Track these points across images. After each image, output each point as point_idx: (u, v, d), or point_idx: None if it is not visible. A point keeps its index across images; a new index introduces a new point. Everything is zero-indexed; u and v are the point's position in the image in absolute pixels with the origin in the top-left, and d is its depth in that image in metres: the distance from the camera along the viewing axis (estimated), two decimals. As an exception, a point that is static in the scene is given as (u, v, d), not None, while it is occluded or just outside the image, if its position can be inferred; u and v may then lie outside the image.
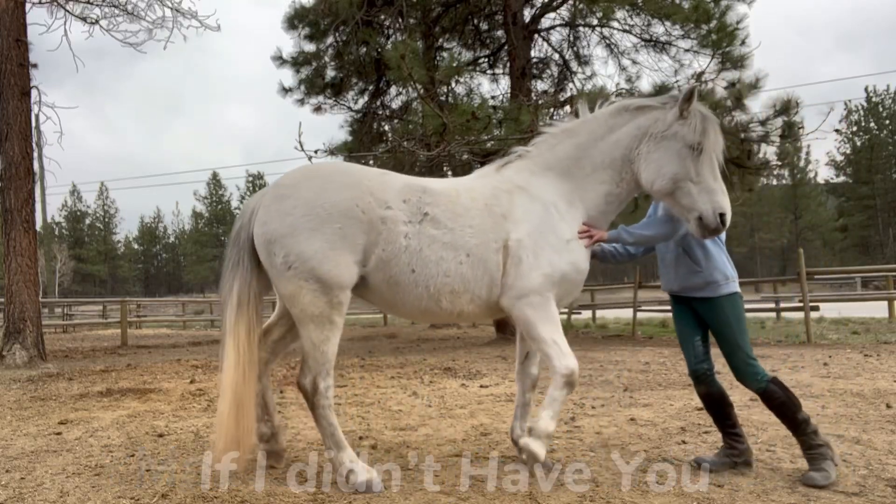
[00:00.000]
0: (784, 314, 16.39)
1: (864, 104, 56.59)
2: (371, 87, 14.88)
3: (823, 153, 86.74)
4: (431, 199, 3.38)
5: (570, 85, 14.28)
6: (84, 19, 11.88)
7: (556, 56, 14.65)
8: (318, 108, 14.62)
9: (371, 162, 14.35)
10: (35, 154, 11.10)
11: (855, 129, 57.21)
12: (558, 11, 13.67)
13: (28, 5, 10.57)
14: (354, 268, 3.24)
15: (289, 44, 39.43)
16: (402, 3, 12.45)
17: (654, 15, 11.74)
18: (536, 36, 13.94)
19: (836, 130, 54.96)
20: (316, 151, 11.75)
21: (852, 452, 3.69)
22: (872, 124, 56.54)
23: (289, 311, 3.37)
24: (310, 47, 14.12)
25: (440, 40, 15.04)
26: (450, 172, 13.07)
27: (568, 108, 11.90)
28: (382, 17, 13.72)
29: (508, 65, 13.57)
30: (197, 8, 36.50)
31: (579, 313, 19.94)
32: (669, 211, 3.44)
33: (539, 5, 13.66)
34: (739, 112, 10.35)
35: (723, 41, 10.89)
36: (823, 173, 70.92)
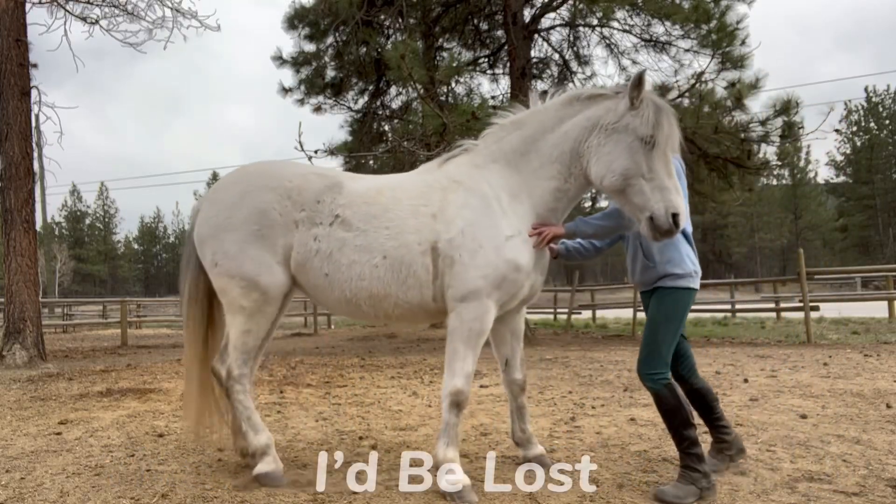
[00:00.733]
0: (784, 314, 16.38)
1: (864, 104, 56.57)
2: (371, 87, 14.89)
3: (823, 153, 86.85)
4: (346, 200, 3.29)
5: (571, 85, 14.27)
6: (84, 19, 11.87)
7: (556, 56, 14.67)
8: (318, 108, 14.64)
9: (371, 162, 14.38)
10: (35, 154, 11.09)
11: (855, 129, 57.19)
12: (558, 11, 13.67)
13: (28, 5, 10.56)
14: (278, 268, 3.33)
15: (289, 44, 39.45)
16: (402, 3, 12.45)
17: (654, 15, 11.75)
18: (536, 36, 13.94)
19: (836, 130, 54.89)
20: (316, 151, 11.79)
21: (852, 452, 3.68)
22: (872, 124, 56.51)
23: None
24: (310, 47, 14.14)
25: (440, 40, 15.05)
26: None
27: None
28: (382, 17, 13.72)
29: (508, 65, 13.56)
30: (197, 8, 36.56)
31: (579, 313, 19.92)
32: None
33: (539, 5, 13.65)
34: (739, 112, 10.36)
35: (723, 41, 10.89)
36: (823, 173, 70.94)
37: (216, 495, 3.08)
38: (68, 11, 11.80)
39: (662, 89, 11.12)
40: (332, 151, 13.63)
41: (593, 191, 3.51)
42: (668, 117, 2.94)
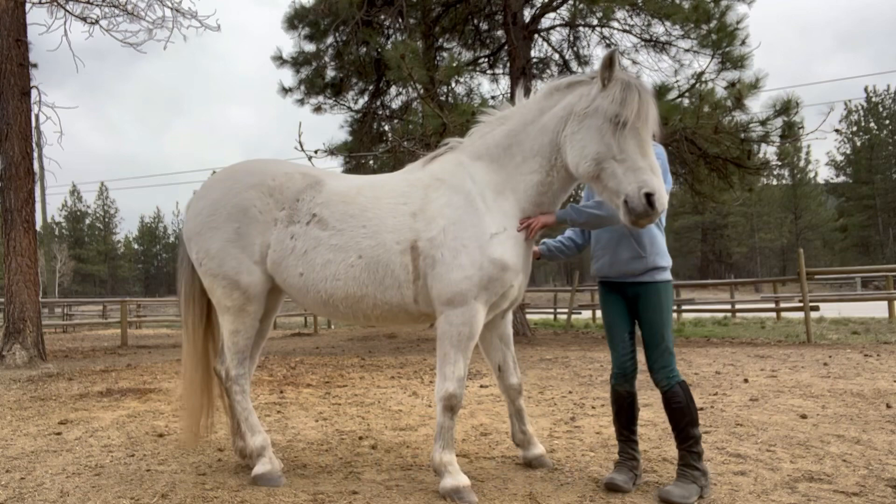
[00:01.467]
0: (784, 314, 16.39)
1: (864, 104, 56.57)
2: (371, 87, 14.90)
3: (823, 153, 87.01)
4: (324, 199, 3.26)
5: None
6: (84, 19, 11.87)
7: (556, 56, 14.67)
8: (318, 108, 14.66)
9: (371, 162, 14.38)
10: (35, 154, 11.09)
11: (855, 129, 57.18)
12: (558, 11, 13.67)
13: (28, 5, 10.56)
14: (255, 268, 3.32)
15: (289, 44, 39.53)
16: (402, 3, 12.45)
17: (654, 15, 11.75)
18: (536, 36, 13.94)
19: (836, 130, 54.50)
20: (316, 151, 11.79)
21: (852, 452, 3.68)
22: (872, 124, 56.52)
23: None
24: (310, 47, 14.15)
25: (440, 40, 15.05)
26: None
27: None
28: (382, 17, 13.72)
29: (508, 65, 13.57)
30: (197, 8, 36.63)
31: (579, 313, 19.91)
32: None
33: (539, 5, 13.65)
34: (739, 112, 10.34)
35: (723, 41, 10.90)
36: (823, 173, 71.08)
37: (216, 495, 3.08)
38: (68, 11, 11.80)
39: (662, 89, 11.12)
40: (332, 151, 13.63)
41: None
42: (635, 94, 2.77)
